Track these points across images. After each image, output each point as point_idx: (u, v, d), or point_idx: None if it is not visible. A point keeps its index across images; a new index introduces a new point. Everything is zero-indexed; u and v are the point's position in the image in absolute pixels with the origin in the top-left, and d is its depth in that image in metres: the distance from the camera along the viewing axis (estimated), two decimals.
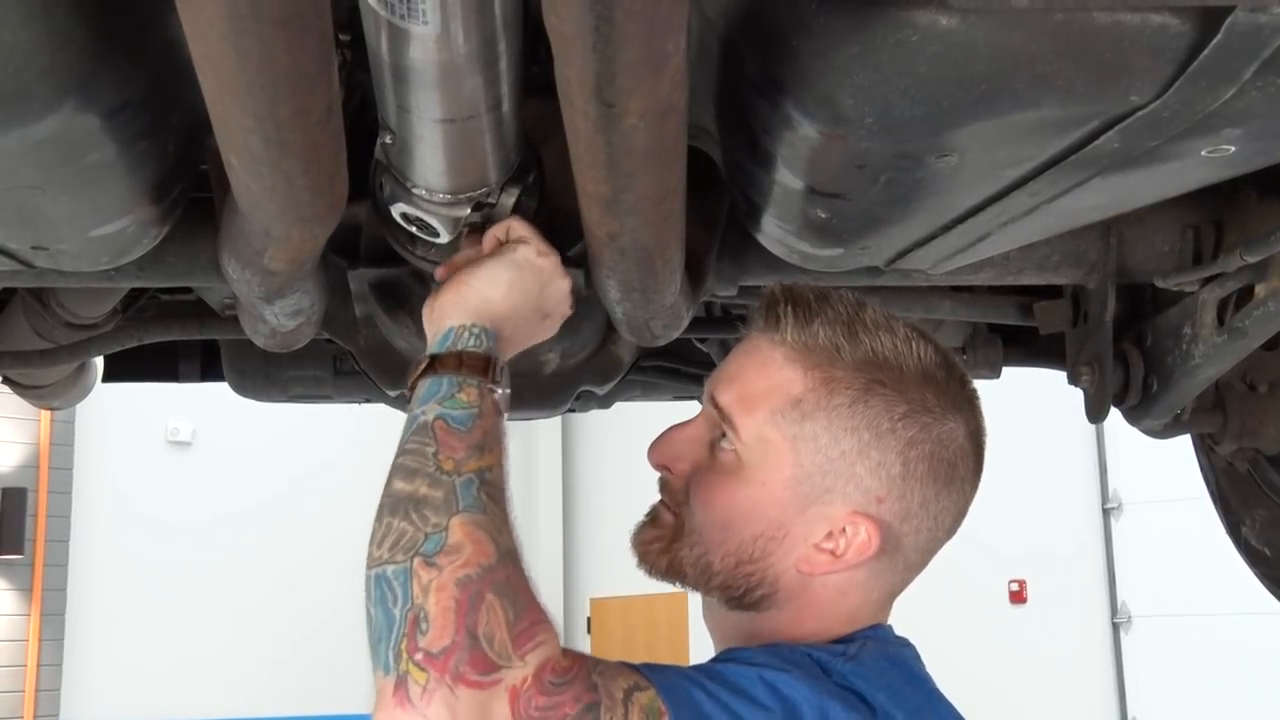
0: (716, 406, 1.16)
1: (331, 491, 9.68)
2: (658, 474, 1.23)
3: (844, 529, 1.12)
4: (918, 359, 1.13)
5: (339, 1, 0.97)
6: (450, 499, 1.04)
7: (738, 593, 1.16)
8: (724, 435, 1.16)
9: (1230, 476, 2.50)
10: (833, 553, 1.12)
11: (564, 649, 1.01)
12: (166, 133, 1.25)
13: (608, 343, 2.05)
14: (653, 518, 1.21)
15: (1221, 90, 1.00)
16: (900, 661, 1.15)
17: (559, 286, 1.30)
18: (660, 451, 1.21)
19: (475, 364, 1.15)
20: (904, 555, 1.15)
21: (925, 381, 1.13)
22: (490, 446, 1.11)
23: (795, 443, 1.12)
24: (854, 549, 1.12)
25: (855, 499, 1.12)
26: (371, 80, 1.16)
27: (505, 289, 1.24)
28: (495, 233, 1.31)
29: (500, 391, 1.17)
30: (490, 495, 1.07)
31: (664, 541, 1.19)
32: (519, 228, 1.30)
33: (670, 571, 1.19)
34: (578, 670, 1.00)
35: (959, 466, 1.15)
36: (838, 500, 1.12)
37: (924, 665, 1.19)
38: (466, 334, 1.19)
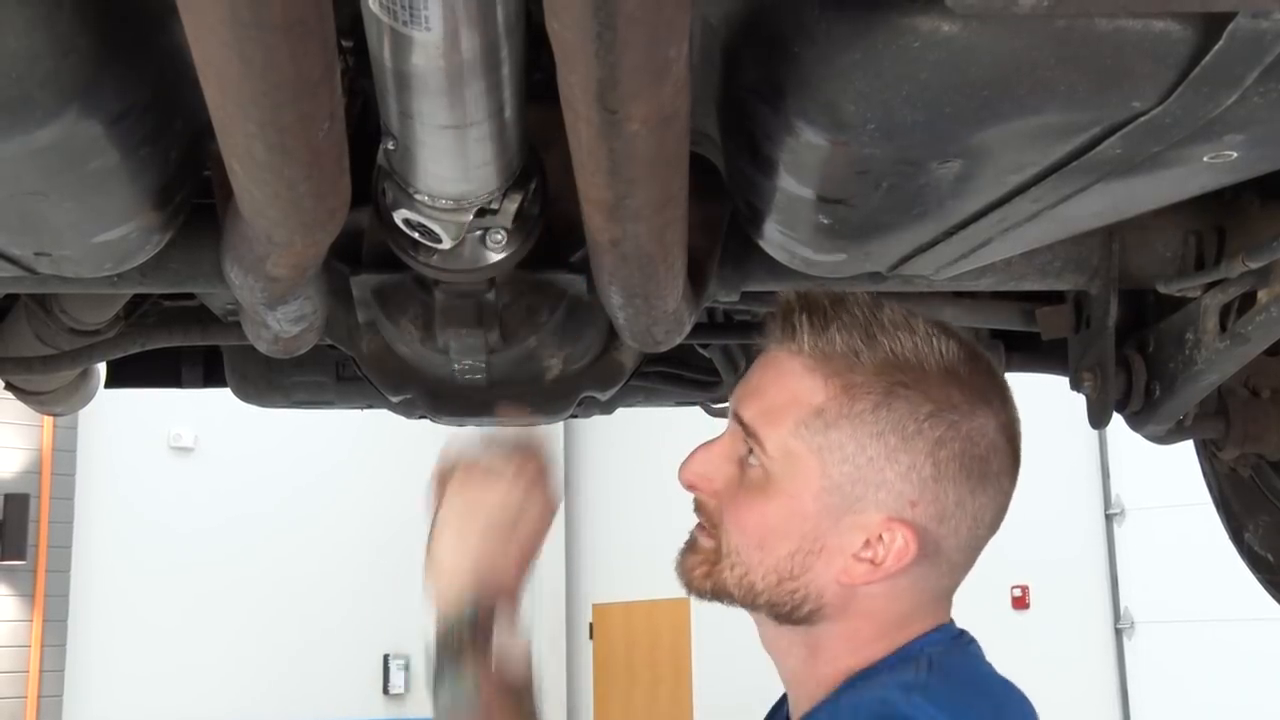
0: (741, 422, 1.15)
1: (334, 497, 9.68)
2: (691, 495, 1.21)
3: (880, 536, 1.10)
4: (939, 356, 1.11)
5: (341, 7, 0.97)
6: None
7: (785, 610, 1.15)
8: (751, 451, 1.14)
9: (1233, 482, 2.50)
10: (872, 561, 1.11)
11: None
12: (169, 139, 1.25)
13: (610, 348, 2.05)
14: (691, 544, 1.20)
15: (1223, 96, 1.00)
16: (967, 672, 1.14)
17: (506, 510, 1.25)
18: (689, 471, 1.20)
19: (451, 648, 1.21)
20: (946, 557, 1.14)
21: (949, 378, 1.11)
22: None
23: (821, 453, 1.11)
24: (893, 556, 1.10)
25: (889, 505, 1.10)
26: (374, 86, 1.16)
27: (452, 549, 1.27)
28: (438, 473, 1.28)
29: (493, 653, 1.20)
30: None
31: (707, 566, 1.18)
32: (462, 466, 1.27)
33: (717, 594, 1.18)
34: None
35: (992, 462, 1.12)
36: (870, 508, 1.10)
37: (986, 660, 1.19)
38: (443, 620, 1.23)
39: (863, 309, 1.13)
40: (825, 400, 1.11)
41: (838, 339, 1.11)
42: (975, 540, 1.15)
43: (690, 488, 1.20)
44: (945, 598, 1.19)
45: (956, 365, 1.12)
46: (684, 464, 1.20)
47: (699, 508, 1.20)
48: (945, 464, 1.10)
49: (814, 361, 1.12)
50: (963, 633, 1.19)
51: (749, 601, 1.16)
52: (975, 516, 1.13)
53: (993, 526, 1.16)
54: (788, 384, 1.13)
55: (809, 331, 1.12)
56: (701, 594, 1.19)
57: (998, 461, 1.13)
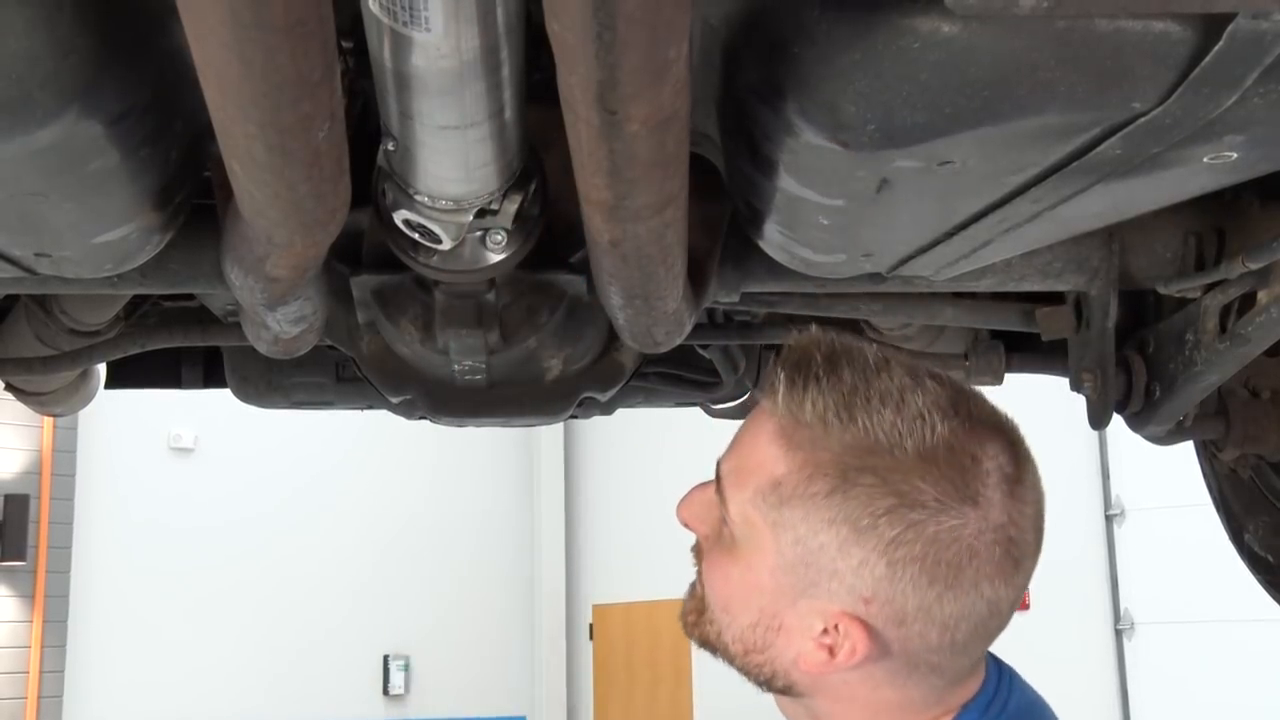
0: (718, 474, 1.09)
1: (334, 498, 9.69)
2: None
3: (837, 626, 1.01)
4: (920, 441, 0.99)
5: (342, 8, 0.97)
6: None
7: (759, 680, 1.09)
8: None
9: (1233, 483, 2.50)
10: (830, 650, 1.02)
11: None
12: (169, 139, 1.25)
13: (610, 349, 2.05)
14: (691, 587, 1.14)
15: (1223, 97, 1.00)
16: None
17: None
18: (683, 510, 1.13)
19: None
20: (921, 659, 1.03)
21: (924, 470, 0.98)
22: None
23: (775, 529, 1.02)
24: (844, 652, 1.01)
25: (842, 598, 1.00)
26: (374, 87, 1.16)
27: None
28: None
29: None
30: None
31: (695, 614, 1.12)
32: None
33: (704, 645, 1.12)
34: None
35: (966, 568, 0.99)
36: (824, 596, 1.01)
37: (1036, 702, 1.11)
38: None
39: (857, 373, 1.02)
40: (785, 473, 1.02)
41: (810, 407, 1.01)
42: (955, 646, 1.03)
43: (685, 527, 1.14)
44: (955, 683, 1.07)
45: (939, 455, 0.99)
46: (681, 501, 1.14)
47: (695, 550, 1.14)
48: (902, 565, 0.98)
49: (784, 427, 1.03)
50: (997, 692, 1.09)
51: (729, 661, 1.10)
52: (945, 624, 1.01)
53: (979, 632, 1.03)
54: (757, 446, 1.05)
55: (785, 392, 1.03)
56: (693, 641, 1.14)
57: (976, 567, 1.00)
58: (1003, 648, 1.13)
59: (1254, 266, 1.62)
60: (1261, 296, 1.66)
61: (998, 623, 1.04)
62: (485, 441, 10.56)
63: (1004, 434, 1.04)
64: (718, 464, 1.09)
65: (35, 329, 2.26)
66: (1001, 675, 1.12)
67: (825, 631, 1.02)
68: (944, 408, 1.01)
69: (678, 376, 2.57)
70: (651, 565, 8.24)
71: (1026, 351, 2.33)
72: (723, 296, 1.83)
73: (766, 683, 1.09)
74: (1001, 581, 1.01)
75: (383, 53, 1.05)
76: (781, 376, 1.03)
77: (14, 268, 1.47)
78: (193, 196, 1.46)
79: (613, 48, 0.87)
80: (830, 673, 1.04)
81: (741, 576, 1.06)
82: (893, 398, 1.00)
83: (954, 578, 0.99)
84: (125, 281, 1.67)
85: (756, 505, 1.03)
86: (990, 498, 1.00)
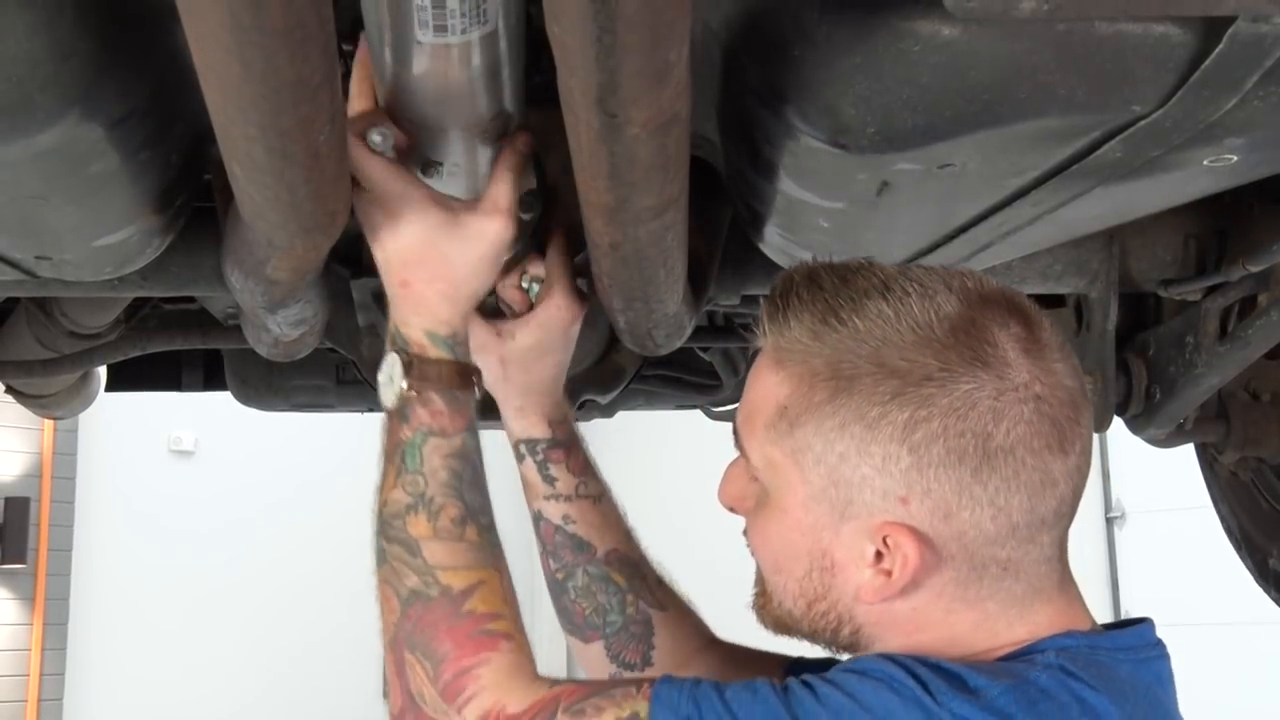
0: (735, 435, 1.06)
1: (334, 500, 9.66)
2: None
3: (886, 540, 0.96)
4: (914, 320, 0.95)
5: (342, 12, 0.97)
6: (377, 558, 1.06)
7: (827, 638, 1.03)
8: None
9: (1242, 498, 2.48)
10: (888, 574, 0.96)
11: (529, 685, 0.98)
12: (170, 142, 1.25)
13: (610, 352, 2.05)
14: (756, 575, 1.09)
15: (1223, 100, 1.00)
16: (1079, 692, 0.94)
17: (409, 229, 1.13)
18: (722, 493, 1.09)
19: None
20: (981, 555, 0.96)
21: (922, 344, 0.94)
22: (384, 465, 1.09)
23: (795, 457, 0.99)
24: (898, 565, 0.96)
25: (878, 506, 0.96)
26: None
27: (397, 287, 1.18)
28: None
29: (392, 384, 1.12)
30: (386, 533, 1.06)
31: (762, 599, 1.08)
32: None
33: (778, 630, 1.07)
34: (534, 716, 0.95)
35: (994, 435, 0.93)
36: (863, 512, 0.96)
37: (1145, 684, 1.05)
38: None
39: (834, 279, 0.99)
40: (787, 396, 0.98)
41: (794, 324, 0.99)
42: (1018, 532, 0.95)
43: (731, 511, 1.10)
44: (1039, 597, 0.99)
45: (933, 327, 0.95)
46: (719, 486, 1.09)
47: (745, 534, 1.09)
48: (925, 447, 0.93)
49: (775, 354, 1.00)
50: (1116, 648, 1.02)
51: (800, 632, 1.05)
52: (995, 504, 0.94)
53: (1039, 510, 0.95)
54: (758, 383, 1.02)
55: (768, 319, 1.01)
56: (768, 628, 1.09)
57: (1006, 430, 0.93)
58: None
59: (1254, 269, 1.62)
60: (1262, 299, 1.67)
61: (1058, 499, 0.96)
62: (484, 443, 10.54)
63: (1010, 303, 0.99)
64: (733, 427, 1.06)
65: (35, 332, 2.26)
66: (1144, 644, 1.06)
67: (879, 556, 0.97)
68: (937, 286, 0.97)
69: (678, 379, 2.57)
70: None
71: None
72: (723, 299, 1.82)
73: (834, 634, 1.02)
74: (1043, 445, 0.95)
75: (384, 56, 1.05)
76: (764, 307, 1.01)
77: (14, 270, 1.47)
78: (193, 199, 1.46)
79: (613, 51, 0.87)
80: (893, 596, 0.97)
81: (780, 524, 1.01)
82: (877, 288, 0.97)
83: (984, 447, 0.93)
84: (126, 284, 1.67)
85: (771, 440, 1.00)
86: (1004, 357, 0.95)
